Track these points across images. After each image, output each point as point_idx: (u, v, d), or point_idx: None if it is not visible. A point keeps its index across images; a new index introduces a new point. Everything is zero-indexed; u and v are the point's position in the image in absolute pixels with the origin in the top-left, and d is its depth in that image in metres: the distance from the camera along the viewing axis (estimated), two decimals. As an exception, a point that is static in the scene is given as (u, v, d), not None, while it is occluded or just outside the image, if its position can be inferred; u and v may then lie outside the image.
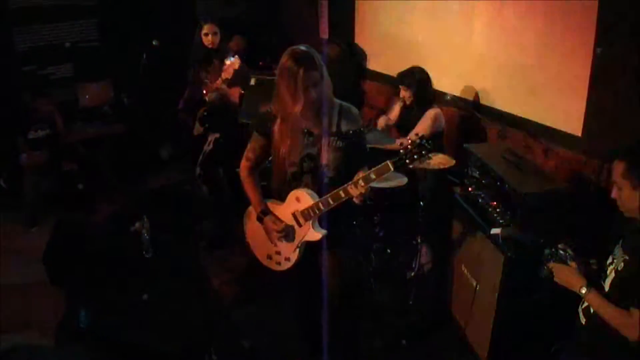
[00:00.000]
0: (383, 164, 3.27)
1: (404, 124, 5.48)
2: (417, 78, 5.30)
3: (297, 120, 3.48)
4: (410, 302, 5.00)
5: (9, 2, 7.45)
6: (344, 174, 3.53)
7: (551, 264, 3.07)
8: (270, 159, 3.78)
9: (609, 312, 2.77)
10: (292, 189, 3.64)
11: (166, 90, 6.69)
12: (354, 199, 3.42)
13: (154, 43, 5.87)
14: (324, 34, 8.06)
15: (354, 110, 3.65)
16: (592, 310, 2.94)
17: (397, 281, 5.26)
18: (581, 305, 3.09)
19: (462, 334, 4.59)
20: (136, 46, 7.10)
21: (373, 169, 3.30)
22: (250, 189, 3.84)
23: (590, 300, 2.88)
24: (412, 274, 5.15)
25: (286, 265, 3.83)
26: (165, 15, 7.96)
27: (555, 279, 3.04)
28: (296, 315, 4.32)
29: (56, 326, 4.61)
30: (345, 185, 3.40)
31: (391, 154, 3.40)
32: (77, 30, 8.01)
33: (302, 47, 3.44)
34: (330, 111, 3.53)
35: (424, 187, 5.20)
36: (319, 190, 3.57)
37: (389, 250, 5.40)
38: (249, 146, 3.81)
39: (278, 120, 3.58)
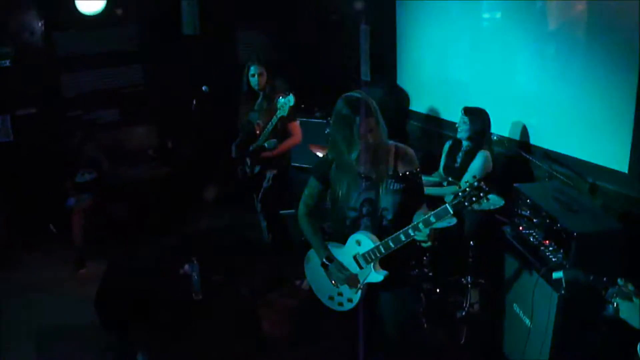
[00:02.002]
0: (442, 207, 3.31)
1: (451, 165, 5.53)
2: (483, 116, 5.39)
3: (353, 166, 3.55)
4: (462, 342, 5.00)
5: (56, 51, 7.68)
6: (402, 216, 3.58)
7: (618, 300, 3.06)
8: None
9: None
10: (351, 233, 3.69)
11: (215, 134, 6.81)
12: (422, 243, 3.45)
13: (203, 89, 5.99)
14: (366, 76, 8.15)
15: (410, 151, 3.69)
16: None
17: (448, 321, 5.25)
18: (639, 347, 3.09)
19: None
20: (180, 91, 7.27)
21: (432, 212, 3.34)
22: (311, 234, 3.88)
23: None
24: (463, 313, 5.15)
25: (348, 306, 3.86)
26: (208, 60, 8.11)
27: (622, 315, 3.03)
28: (352, 354, 4.31)
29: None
30: (406, 228, 3.44)
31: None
32: (122, 75, 8.17)
33: (357, 94, 3.51)
34: (386, 155, 3.58)
35: (472, 227, 5.24)
36: (378, 233, 3.61)
37: (438, 290, 5.40)
38: (306, 192, 3.88)
39: (334, 166, 3.65)
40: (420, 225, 3.37)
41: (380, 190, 3.57)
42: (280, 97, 5.71)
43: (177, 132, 8.13)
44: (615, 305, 3.06)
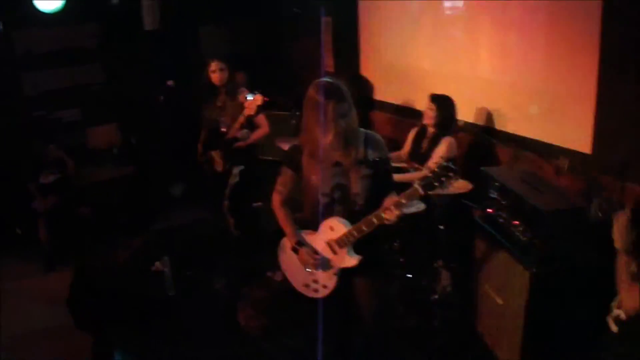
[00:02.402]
0: (412, 188, 3.37)
1: (417, 151, 5.60)
2: (449, 103, 5.49)
3: (325, 152, 3.58)
4: (436, 325, 5.08)
5: (16, 49, 7.58)
6: (373, 201, 3.61)
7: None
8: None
9: None
10: (324, 219, 3.73)
11: (182, 129, 6.80)
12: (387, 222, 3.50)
13: (169, 83, 5.96)
14: (329, 67, 8.19)
15: (379, 137, 3.74)
16: (623, 317, 3.06)
17: (421, 305, 5.33)
18: (611, 314, 3.21)
19: (490, 353, 4.65)
20: (142, 87, 7.24)
21: (402, 193, 3.41)
22: (284, 221, 3.92)
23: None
24: (436, 296, 5.23)
25: (324, 293, 3.89)
26: (170, 57, 8.07)
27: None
28: (329, 340, 4.35)
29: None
30: (377, 211, 3.49)
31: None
32: (84, 73, 8.11)
33: (329, 79, 3.54)
34: (356, 141, 3.61)
35: (440, 212, 5.31)
36: (350, 218, 3.65)
37: (410, 275, 5.48)
38: (279, 180, 3.91)
39: (306, 153, 3.68)
40: (392, 207, 3.41)
41: (351, 176, 3.61)
42: (247, 96, 5.71)
43: (141, 129, 8.08)
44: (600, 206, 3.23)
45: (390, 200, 3.50)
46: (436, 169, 3.31)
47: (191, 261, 6.26)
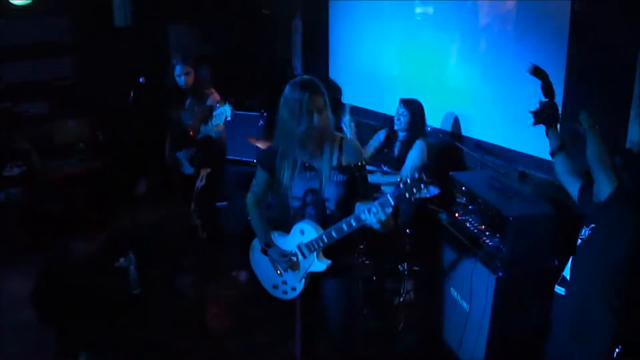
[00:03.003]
0: (384, 198, 3.36)
1: (389, 154, 5.64)
2: (419, 107, 5.52)
3: (298, 154, 3.62)
4: (400, 328, 5.13)
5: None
6: (346, 207, 3.65)
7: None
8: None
9: None
10: (295, 222, 3.75)
11: (150, 126, 6.77)
12: (379, 230, 3.46)
13: (140, 80, 5.92)
14: (298, 69, 8.22)
15: (355, 143, 3.77)
16: (568, 277, 3.35)
17: (386, 308, 5.38)
18: (557, 282, 3.46)
19: (454, 356, 4.72)
20: (111, 82, 7.18)
21: (375, 202, 3.40)
22: (255, 221, 3.95)
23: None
24: (400, 299, 5.28)
25: (292, 295, 3.92)
26: (141, 53, 8.03)
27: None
28: (297, 341, 4.37)
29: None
30: (348, 218, 3.50)
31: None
32: (52, 67, 8.03)
33: (306, 77, 3.58)
34: (330, 145, 3.63)
35: (407, 215, 5.36)
36: (322, 222, 3.67)
37: (375, 277, 5.53)
38: (254, 180, 3.93)
39: (280, 154, 3.70)
40: (362, 216, 3.42)
41: (324, 181, 3.63)
42: (218, 105, 5.65)
43: (109, 125, 8.02)
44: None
45: (360, 208, 3.49)
46: (408, 180, 3.34)
47: (156, 259, 6.23)
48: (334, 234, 3.58)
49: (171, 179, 6.37)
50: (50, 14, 7.78)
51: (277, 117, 3.62)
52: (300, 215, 3.75)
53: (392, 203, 3.36)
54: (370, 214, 3.38)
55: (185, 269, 6.31)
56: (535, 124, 3.64)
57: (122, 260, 5.93)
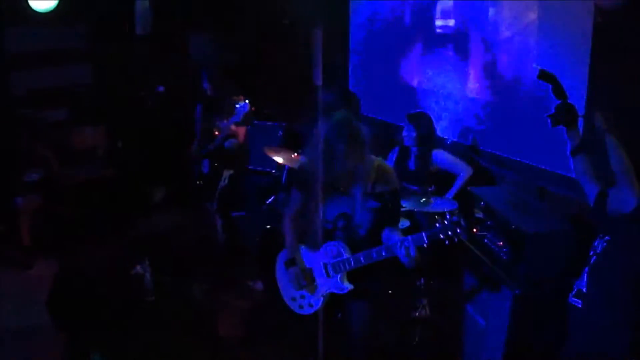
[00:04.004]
0: (418, 235, 3.40)
1: (405, 171, 5.60)
2: (427, 119, 5.49)
3: (334, 178, 3.61)
4: (415, 343, 5.08)
5: (5, 47, 7.54)
6: (376, 232, 3.66)
7: None
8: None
9: None
10: (325, 241, 3.76)
11: (168, 135, 6.80)
12: (406, 264, 3.50)
13: (159, 89, 6.00)
14: (318, 80, 8.20)
15: (390, 169, 3.79)
16: (585, 290, 3.29)
17: (401, 322, 5.33)
18: (572, 294, 3.38)
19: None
20: (130, 90, 7.22)
21: (409, 237, 3.42)
22: (287, 234, 3.96)
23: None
24: (416, 314, 5.23)
25: (308, 310, 3.93)
26: (160, 62, 8.06)
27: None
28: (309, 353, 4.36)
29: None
30: (379, 248, 3.53)
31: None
32: (72, 73, 8.07)
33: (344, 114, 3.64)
34: (366, 171, 3.61)
35: (423, 230, 5.31)
36: (352, 246, 3.69)
37: (390, 292, 5.48)
38: (291, 197, 3.98)
39: (312, 177, 3.69)
40: (393, 248, 3.44)
41: (356, 206, 3.63)
42: (237, 103, 5.75)
43: (127, 132, 8.05)
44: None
45: (390, 235, 3.58)
46: (446, 222, 3.32)
47: (172, 267, 6.23)
48: (362, 259, 3.60)
49: (191, 180, 6.45)
50: (72, 21, 7.83)
51: (314, 138, 3.65)
52: (330, 238, 3.77)
53: (426, 241, 3.37)
54: (402, 248, 3.38)
55: (201, 278, 6.27)
56: (553, 126, 3.59)
57: (138, 267, 5.92)
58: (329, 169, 3.52)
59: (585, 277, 3.35)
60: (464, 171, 5.40)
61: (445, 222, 3.30)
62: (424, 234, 3.37)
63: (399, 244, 3.40)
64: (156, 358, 4.98)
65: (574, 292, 3.40)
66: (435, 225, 3.35)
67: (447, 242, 3.35)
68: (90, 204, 7.52)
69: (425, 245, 3.40)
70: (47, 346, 5.12)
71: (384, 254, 3.50)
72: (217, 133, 6.05)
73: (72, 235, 7.04)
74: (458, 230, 3.31)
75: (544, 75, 3.64)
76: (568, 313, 3.45)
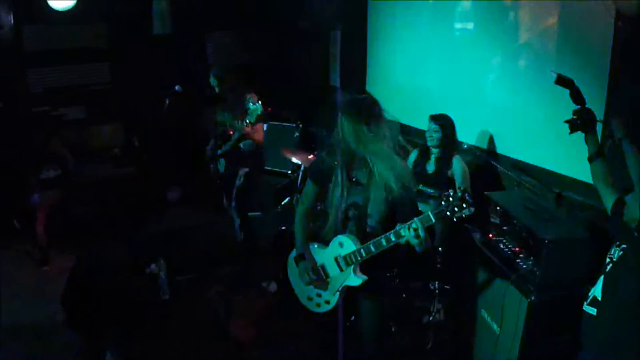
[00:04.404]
0: (425, 215, 3.38)
1: (423, 174, 5.58)
2: (450, 121, 5.45)
3: (349, 169, 3.63)
4: (428, 347, 5.06)
5: (24, 46, 7.59)
6: (387, 226, 3.63)
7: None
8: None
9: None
10: (337, 234, 3.74)
11: (184, 134, 6.82)
12: (417, 247, 3.48)
13: (176, 88, 6.02)
14: (335, 81, 8.20)
15: (406, 165, 3.77)
16: (600, 298, 3.23)
17: (415, 326, 5.32)
18: (586, 302, 3.33)
19: (482, 379, 4.65)
20: (148, 90, 7.24)
21: (415, 219, 3.40)
22: (298, 230, 3.97)
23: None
24: (430, 318, 5.21)
25: (325, 308, 3.91)
26: (178, 61, 8.09)
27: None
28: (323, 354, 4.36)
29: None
30: (388, 233, 3.50)
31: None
32: (90, 72, 8.11)
33: (366, 98, 3.73)
34: (383, 164, 3.59)
35: (440, 233, 5.31)
36: (362, 238, 3.67)
37: (404, 295, 5.47)
38: (304, 191, 3.98)
39: (328, 168, 3.72)
40: (402, 231, 3.42)
41: (369, 197, 3.63)
42: (251, 104, 5.78)
43: (144, 131, 8.08)
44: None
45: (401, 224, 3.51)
46: (451, 199, 3.31)
47: (187, 266, 6.25)
48: (372, 248, 3.58)
49: (207, 180, 6.49)
50: (90, 20, 7.88)
51: (333, 131, 3.65)
52: (342, 228, 3.76)
53: (433, 220, 3.36)
54: (410, 230, 3.37)
55: (215, 277, 6.29)
56: (572, 132, 3.56)
57: (152, 266, 5.95)
58: (345, 157, 3.55)
59: (600, 284, 3.31)
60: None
61: (451, 199, 3.28)
62: (430, 213, 3.36)
63: (406, 227, 3.39)
64: (170, 356, 5.00)
65: (588, 300, 3.37)
66: (441, 204, 3.32)
67: (454, 219, 3.32)
68: (106, 202, 7.56)
69: (432, 222, 3.38)
70: (62, 342, 5.12)
71: (393, 239, 3.48)
72: (231, 133, 6.05)
73: (88, 232, 7.08)
74: (464, 206, 3.28)
75: (561, 81, 3.61)
76: (582, 321, 3.42)
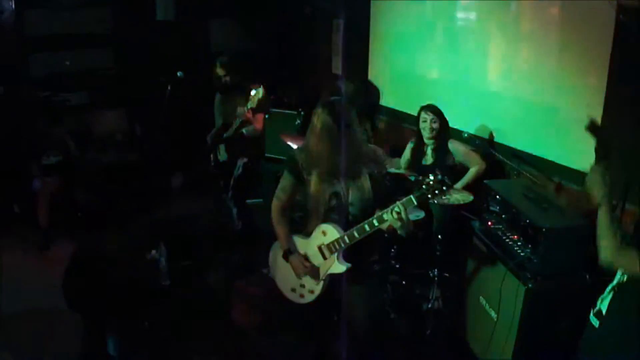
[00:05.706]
0: (407, 198, 3.41)
1: (419, 164, 5.60)
2: (441, 111, 5.47)
3: (326, 160, 3.63)
4: (427, 334, 5.10)
5: (26, 30, 7.59)
6: (368, 213, 3.66)
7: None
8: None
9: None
10: (318, 224, 3.77)
11: (186, 121, 6.83)
12: (399, 231, 3.53)
13: (178, 74, 6.02)
14: (338, 70, 8.21)
15: (379, 151, 3.79)
16: (604, 312, 3.15)
17: (414, 312, 5.35)
18: (593, 310, 3.27)
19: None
20: (151, 76, 7.25)
21: (397, 202, 3.43)
22: (279, 226, 3.95)
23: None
24: (429, 305, 5.24)
25: (310, 298, 3.92)
26: (180, 48, 8.09)
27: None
28: (316, 345, 4.40)
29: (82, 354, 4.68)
30: (370, 219, 3.54)
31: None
32: (93, 58, 8.12)
33: (336, 99, 3.73)
34: (357, 152, 3.65)
35: (440, 221, 5.33)
36: (344, 226, 3.69)
37: (404, 282, 5.50)
38: (279, 185, 3.94)
39: (307, 159, 3.73)
40: (385, 216, 3.46)
41: (349, 186, 3.66)
42: (253, 89, 5.79)
43: (146, 117, 8.08)
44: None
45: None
46: (431, 182, 3.35)
47: (187, 252, 6.28)
48: (355, 234, 3.61)
49: (207, 167, 6.50)
50: (93, 5, 7.87)
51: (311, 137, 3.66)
52: (324, 219, 3.77)
53: (415, 203, 3.40)
54: (392, 213, 3.40)
55: (215, 263, 6.34)
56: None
57: (153, 252, 5.98)
58: (324, 152, 3.56)
59: (608, 298, 3.22)
60: (477, 164, 5.40)
61: (430, 182, 3.32)
62: (412, 196, 3.40)
63: (389, 211, 3.42)
64: (170, 341, 5.04)
65: (595, 309, 3.33)
66: (422, 187, 3.36)
67: (435, 200, 3.43)
68: (107, 188, 7.58)
69: (414, 205, 3.43)
70: (63, 328, 5.15)
71: (376, 223, 3.51)
72: (234, 119, 6.07)
73: (89, 218, 7.11)
74: (444, 188, 3.34)
75: (593, 128, 3.31)
76: (585, 327, 3.40)
